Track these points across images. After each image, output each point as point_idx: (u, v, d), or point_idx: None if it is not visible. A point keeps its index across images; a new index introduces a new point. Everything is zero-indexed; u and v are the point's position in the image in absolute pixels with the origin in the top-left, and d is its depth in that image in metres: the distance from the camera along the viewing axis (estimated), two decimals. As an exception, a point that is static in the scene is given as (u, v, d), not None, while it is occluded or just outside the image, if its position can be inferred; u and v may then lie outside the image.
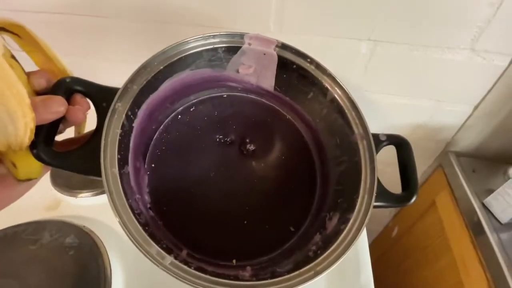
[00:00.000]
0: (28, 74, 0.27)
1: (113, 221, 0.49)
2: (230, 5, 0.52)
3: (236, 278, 0.28)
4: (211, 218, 0.37)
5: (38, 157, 0.26)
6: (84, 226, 0.45)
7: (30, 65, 0.29)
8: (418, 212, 0.77)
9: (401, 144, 0.38)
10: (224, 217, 0.38)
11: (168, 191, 0.37)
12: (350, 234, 0.31)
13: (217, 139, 0.42)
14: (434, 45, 0.50)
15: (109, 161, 0.27)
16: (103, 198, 0.53)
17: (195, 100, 0.43)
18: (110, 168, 0.27)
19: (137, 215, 0.27)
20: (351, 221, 0.32)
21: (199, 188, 0.38)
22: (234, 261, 0.34)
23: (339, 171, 0.39)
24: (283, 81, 0.42)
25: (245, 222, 0.37)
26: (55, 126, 0.28)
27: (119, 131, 0.29)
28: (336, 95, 0.38)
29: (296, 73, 0.40)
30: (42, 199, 0.53)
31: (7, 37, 0.29)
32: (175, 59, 0.35)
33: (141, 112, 0.33)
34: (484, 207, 0.58)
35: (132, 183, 0.31)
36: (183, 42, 0.35)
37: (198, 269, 0.26)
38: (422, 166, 0.75)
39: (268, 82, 0.42)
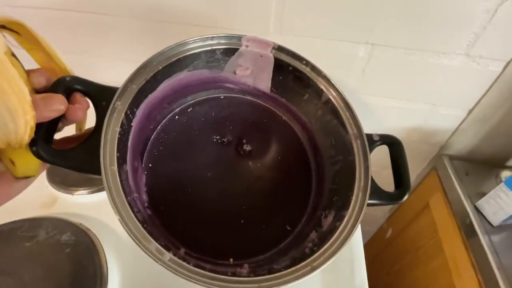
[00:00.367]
0: (28, 72, 0.27)
1: (109, 219, 0.49)
2: (230, 7, 0.53)
3: (234, 275, 0.28)
4: (208, 217, 0.38)
5: (37, 155, 0.26)
6: (80, 224, 0.45)
7: (29, 63, 0.29)
8: (412, 213, 0.78)
9: (393, 144, 0.39)
10: (221, 216, 0.38)
11: (166, 191, 0.37)
12: (345, 230, 0.31)
13: (214, 140, 0.43)
14: (430, 49, 0.51)
15: (109, 159, 0.28)
16: (100, 196, 0.53)
17: (193, 101, 0.44)
18: (109, 166, 0.27)
19: (136, 212, 0.28)
20: (346, 218, 0.32)
21: (196, 188, 0.39)
22: (231, 260, 0.34)
23: (334, 170, 0.39)
24: (279, 82, 0.42)
25: (242, 221, 0.38)
26: (54, 124, 0.28)
27: (118, 129, 0.29)
28: (331, 97, 0.39)
29: (292, 75, 0.40)
30: (39, 196, 0.53)
31: (6, 35, 0.29)
32: (174, 59, 0.35)
33: (140, 112, 0.34)
34: (477, 209, 0.59)
35: (131, 182, 0.31)
36: (182, 43, 0.36)
37: (196, 266, 0.26)
38: (416, 168, 0.76)
39: (264, 83, 0.43)
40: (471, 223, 0.57)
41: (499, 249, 0.53)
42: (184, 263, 0.26)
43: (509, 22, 0.46)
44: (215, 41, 0.38)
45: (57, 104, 0.26)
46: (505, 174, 0.63)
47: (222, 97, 0.45)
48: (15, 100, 0.23)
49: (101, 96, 0.30)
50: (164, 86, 0.36)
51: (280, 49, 0.39)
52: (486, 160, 0.67)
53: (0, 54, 0.23)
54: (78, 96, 0.29)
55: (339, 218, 0.33)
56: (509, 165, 0.67)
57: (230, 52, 0.39)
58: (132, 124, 0.33)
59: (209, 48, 0.38)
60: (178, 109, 0.43)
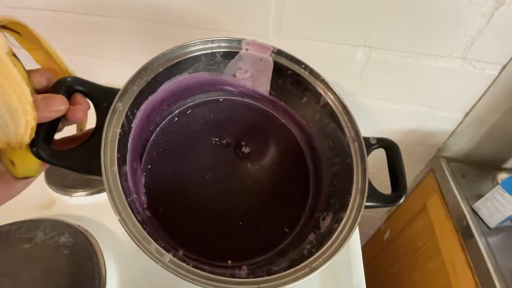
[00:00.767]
0: (29, 72, 0.27)
1: (107, 221, 0.49)
2: (230, 9, 0.53)
3: (233, 276, 0.28)
4: (207, 219, 0.38)
5: (37, 155, 0.27)
6: (78, 225, 0.45)
7: (30, 63, 0.29)
8: (410, 215, 0.78)
9: (390, 147, 0.40)
10: (220, 218, 0.38)
11: (164, 192, 0.38)
12: (343, 232, 0.32)
13: (213, 142, 0.43)
14: (427, 52, 0.52)
15: (109, 160, 0.28)
16: (98, 198, 0.53)
17: (192, 103, 0.44)
18: (110, 167, 0.27)
19: (136, 214, 0.28)
20: (344, 220, 0.33)
21: (195, 190, 0.39)
22: (229, 262, 0.34)
23: (331, 172, 0.40)
24: (278, 86, 0.43)
25: (240, 223, 0.38)
26: (54, 124, 0.28)
27: (119, 130, 0.29)
28: (329, 100, 0.39)
29: (290, 78, 0.41)
30: (37, 198, 0.53)
31: (7, 35, 0.29)
32: (175, 62, 0.35)
33: (140, 113, 0.34)
34: (473, 211, 0.59)
35: (130, 183, 0.31)
36: (182, 46, 0.36)
37: (195, 267, 0.26)
38: (414, 170, 0.76)
39: (263, 86, 0.43)
40: (468, 225, 0.57)
41: (496, 251, 0.53)
42: (184, 264, 0.26)
43: (505, 26, 0.46)
44: (215, 44, 0.38)
45: (58, 105, 0.26)
46: (501, 176, 0.63)
47: (221, 99, 0.46)
48: (16, 100, 0.23)
49: (102, 97, 0.30)
50: (164, 88, 0.37)
51: (279, 53, 0.40)
52: (483, 162, 0.67)
53: (1, 54, 0.23)
54: (78, 97, 0.29)
55: (337, 220, 0.33)
56: (506, 167, 0.67)
57: (230, 55, 0.39)
58: (132, 125, 0.33)
59: (210, 51, 0.38)
60: (177, 111, 0.43)
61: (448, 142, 0.66)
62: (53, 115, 0.26)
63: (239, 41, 0.39)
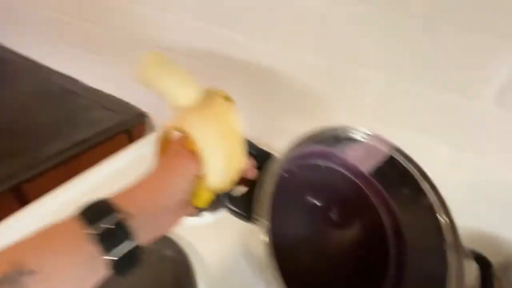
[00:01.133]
0: None
1: (203, 246, 0.54)
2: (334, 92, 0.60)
3: None
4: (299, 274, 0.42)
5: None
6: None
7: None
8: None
9: (483, 265, 0.42)
10: (311, 275, 0.43)
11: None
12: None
13: (308, 201, 0.48)
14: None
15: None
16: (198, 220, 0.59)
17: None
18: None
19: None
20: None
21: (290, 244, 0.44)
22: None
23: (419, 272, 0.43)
24: (383, 173, 0.47)
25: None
26: None
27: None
28: (433, 202, 0.43)
29: (397, 170, 0.45)
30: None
31: None
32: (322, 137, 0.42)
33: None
34: None
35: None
36: (330, 129, 0.43)
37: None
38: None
39: (366, 168, 0.49)
40: None
41: None
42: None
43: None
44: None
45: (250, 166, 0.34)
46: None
47: (323, 166, 0.52)
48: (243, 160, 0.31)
49: (263, 159, 0.38)
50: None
51: (397, 150, 0.45)
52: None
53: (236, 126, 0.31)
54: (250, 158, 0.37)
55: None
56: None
57: (352, 139, 0.45)
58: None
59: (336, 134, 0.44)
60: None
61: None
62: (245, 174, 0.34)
63: (366, 133, 0.45)
